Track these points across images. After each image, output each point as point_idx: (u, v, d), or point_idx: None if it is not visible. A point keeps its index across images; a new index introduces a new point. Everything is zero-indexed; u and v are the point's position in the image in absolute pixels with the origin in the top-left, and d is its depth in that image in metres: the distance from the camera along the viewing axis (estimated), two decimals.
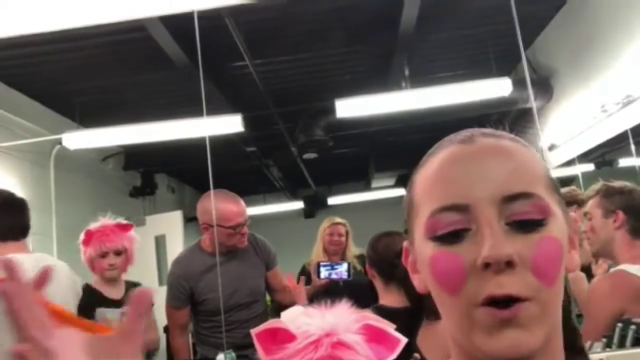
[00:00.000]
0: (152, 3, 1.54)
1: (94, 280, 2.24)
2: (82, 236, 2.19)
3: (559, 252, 0.46)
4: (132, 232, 2.28)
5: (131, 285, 2.32)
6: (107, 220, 2.24)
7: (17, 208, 1.90)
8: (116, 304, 2.19)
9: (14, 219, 1.88)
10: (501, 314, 0.44)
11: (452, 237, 0.47)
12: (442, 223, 0.47)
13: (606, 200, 1.68)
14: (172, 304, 2.23)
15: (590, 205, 1.73)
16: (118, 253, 2.20)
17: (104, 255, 2.17)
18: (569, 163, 3.65)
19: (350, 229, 3.26)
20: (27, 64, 3.36)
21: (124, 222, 2.26)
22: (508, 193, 0.46)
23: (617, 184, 1.72)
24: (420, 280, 0.53)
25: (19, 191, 3.54)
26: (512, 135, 0.52)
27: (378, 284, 1.69)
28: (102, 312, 2.15)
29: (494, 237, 0.44)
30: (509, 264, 0.44)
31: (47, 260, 1.93)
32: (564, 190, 2.19)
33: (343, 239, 3.19)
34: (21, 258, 1.70)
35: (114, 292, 2.23)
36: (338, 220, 3.25)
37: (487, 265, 0.44)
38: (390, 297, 1.64)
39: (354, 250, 3.19)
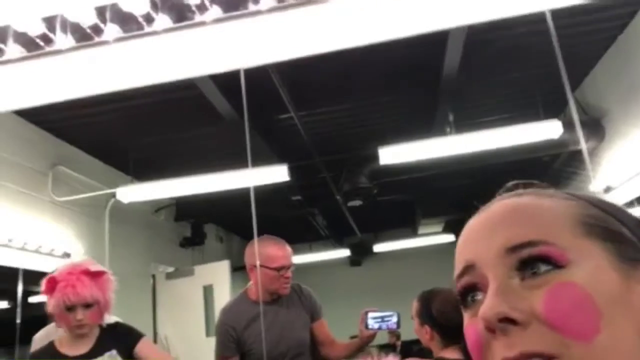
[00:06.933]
0: (202, 63, 1.63)
1: (59, 336, 1.91)
2: (43, 284, 1.83)
3: (584, 300, 0.39)
4: (107, 277, 1.92)
5: (107, 330, 1.95)
6: (75, 264, 1.89)
7: None
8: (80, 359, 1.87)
9: None
10: None
11: (472, 301, 0.46)
12: (458, 288, 0.47)
13: None
14: (223, 354, 2.21)
15: None
16: (88, 305, 1.83)
17: (69, 309, 1.81)
18: (628, 205, 3.48)
19: None
20: (85, 122, 3.56)
21: (95, 268, 1.89)
22: (511, 244, 0.43)
23: None
24: None
25: (76, 243, 3.70)
26: (540, 190, 0.49)
27: (435, 345, 1.59)
28: None
29: (490, 295, 0.42)
30: (513, 322, 0.40)
31: None
32: None
33: None
34: None
35: (79, 347, 1.87)
36: None
37: (491, 330, 0.41)
38: (450, 352, 1.55)
39: None
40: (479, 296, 0.44)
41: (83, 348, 1.87)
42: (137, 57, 1.54)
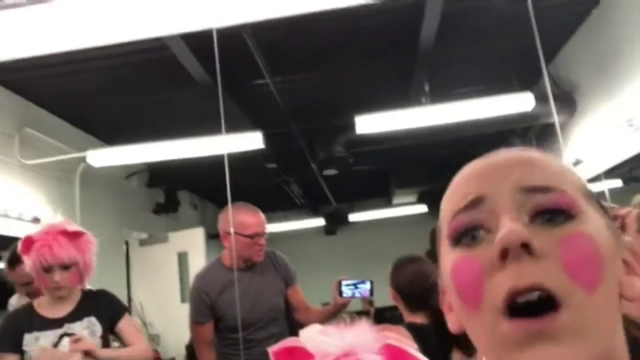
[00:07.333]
0: (172, 21, 1.58)
1: (39, 298, 1.87)
2: (20, 244, 1.76)
3: (595, 251, 0.40)
4: (86, 238, 1.84)
5: (88, 296, 1.91)
6: (53, 225, 1.80)
7: None
8: (57, 322, 1.81)
9: None
10: (530, 325, 0.38)
11: (471, 239, 0.43)
12: (459, 222, 0.44)
13: None
14: (196, 319, 2.23)
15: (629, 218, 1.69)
16: (66, 267, 1.77)
17: (47, 270, 1.74)
18: (595, 179, 3.57)
19: None
20: (53, 83, 3.45)
21: (73, 229, 1.80)
22: (528, 184, 0.43)
23: None
24: (453, 319, 0.48)
25: (46, 207, 3.63)
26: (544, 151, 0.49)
27: (402, 307, 1.68)
28: (34, 337, 1.77)
29: (510, 222, 0.41)
30: (529, 250, 0.39)
31: None
32: None
33: None
34: None
35: (58, 310, 1.82)
36: None
37: (504, 255, 0.40)
38: (418, 317, 1.62)
39: None
40: (482, 234, 0.43)
41: (62, 311, 1.82)
42: (102, 13, 1.47)
